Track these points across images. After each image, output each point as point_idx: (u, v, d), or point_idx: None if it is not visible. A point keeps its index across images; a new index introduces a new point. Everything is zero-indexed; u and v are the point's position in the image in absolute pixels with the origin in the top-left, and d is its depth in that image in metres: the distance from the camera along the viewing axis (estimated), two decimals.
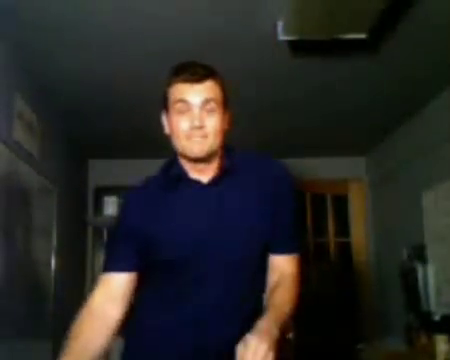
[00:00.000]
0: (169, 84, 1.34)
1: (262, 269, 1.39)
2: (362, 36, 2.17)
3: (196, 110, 1.28)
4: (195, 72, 1.30)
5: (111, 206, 3.93)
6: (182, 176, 1.36)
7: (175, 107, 1.31)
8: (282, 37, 2.21)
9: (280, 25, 2.18)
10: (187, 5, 2.10)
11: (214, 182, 1.35)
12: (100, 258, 4.13)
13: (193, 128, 1.28)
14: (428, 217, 3.15)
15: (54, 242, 3.16)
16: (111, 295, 1.34)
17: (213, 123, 1.30)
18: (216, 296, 1.31)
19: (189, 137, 1.29)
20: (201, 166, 1.35)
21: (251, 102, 3.12)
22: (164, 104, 1.36)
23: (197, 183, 1.35)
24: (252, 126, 3.56)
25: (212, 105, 1.30)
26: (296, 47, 2.44)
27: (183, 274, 1.32)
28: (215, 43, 2.40)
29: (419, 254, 3.16)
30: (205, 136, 1.29)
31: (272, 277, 1.39)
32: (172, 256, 1.31)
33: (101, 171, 4.30)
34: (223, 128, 1.34)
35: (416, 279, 3.13)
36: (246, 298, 1.34)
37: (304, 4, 1.96)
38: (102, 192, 4.14)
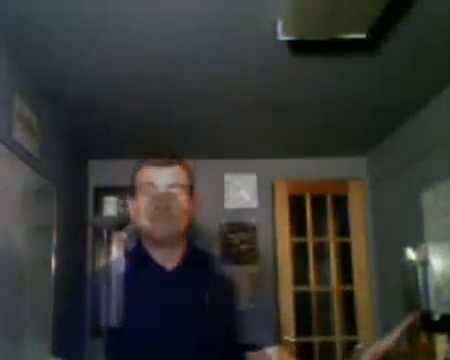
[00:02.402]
0: (137, 169, 1.42)
1: None
2: (362, 36, 2.17)
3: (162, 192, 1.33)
4: (162, 157, 1.39)
5: (111, 206, 3.92)
6: (146, 260, 1.37)
7: (142, 189, 1.36)
8: (282, 37, 2.21)
9: (280, 25, 2.18)
10: (187, 5, 2.11)
11: (177, 270, 1.36)
12: (100, 258, 4.13)
13: (158, 209, 1.31)
14: (428, 217, 3.15)
15: (54, 242, 3.16)
16: None
17: (179, 206, 1.33)
18: None
19: (154, 218, 1.31)
20: (164, 251, 1.36)
21: (251, 102, 3.12)
22: (131, 190, 1.41)
23: (161, 269, 1.36)
24: (252, 126, 3.56)
25: (178, 189, 1.34)
26: (296, 47, 2.44)
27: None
28: (215, 43, 2.40)
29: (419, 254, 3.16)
30: (170, 218, 1.31)
31: None
32: (126, 339, 1.28)
33: (101, 171, 4.29)
34: (189, 211, 1.37)
35: (416, 279, 3.13)
36: None
37: (304, 4, 1.96)
38: (102, 192, 4.13)
